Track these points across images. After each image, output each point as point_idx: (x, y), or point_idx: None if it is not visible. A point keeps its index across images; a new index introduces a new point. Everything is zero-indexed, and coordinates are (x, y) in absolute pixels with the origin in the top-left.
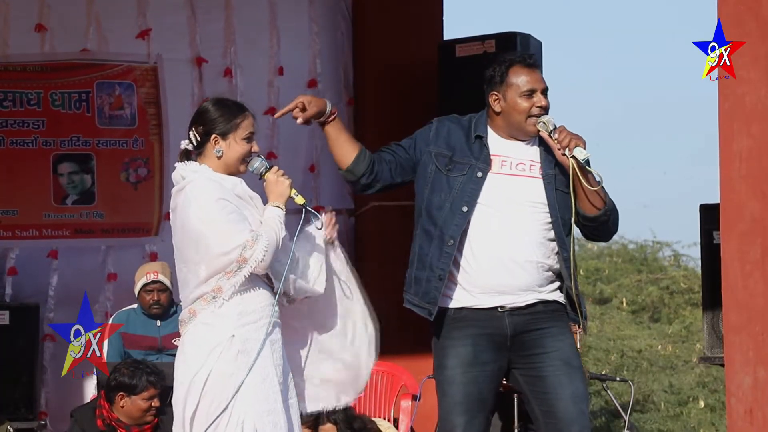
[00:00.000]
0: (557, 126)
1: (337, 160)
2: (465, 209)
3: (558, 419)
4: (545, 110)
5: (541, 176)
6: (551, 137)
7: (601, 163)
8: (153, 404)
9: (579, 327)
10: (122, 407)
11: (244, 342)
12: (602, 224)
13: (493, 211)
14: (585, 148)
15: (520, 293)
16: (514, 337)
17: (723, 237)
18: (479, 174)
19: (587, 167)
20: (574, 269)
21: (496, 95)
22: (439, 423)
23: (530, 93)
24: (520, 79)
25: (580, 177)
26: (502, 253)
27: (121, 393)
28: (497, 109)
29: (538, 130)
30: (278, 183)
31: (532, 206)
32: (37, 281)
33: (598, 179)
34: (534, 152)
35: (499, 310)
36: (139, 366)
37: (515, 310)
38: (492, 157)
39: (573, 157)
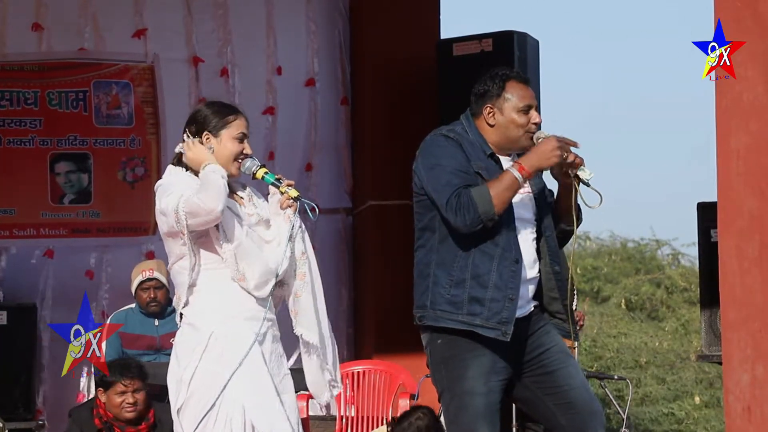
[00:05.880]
0: None
1: (502, 206)
2: (511, 225)
3: (578, 409)
4: (539, 126)
5: (531, 191)
6: None
7: (598, 162)
8: (127, 400)
9: (573, 341)
10: (104, 403)
11: (227, 338)
12: (571, 233)
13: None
14: (585, 167)
15: (530, 303)
16: (524, 341)
17: (720, 234)
18: None
19: (591, 187)
20: (572, 282)
21: (491, 108)
22: None
23: (527, 109)
24: (518, 94)
25: (581, 195)
26: (524, 269)
27: (100, 389)
28: (491, 122)
29: (533, 146)
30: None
31: (530, 222)
32: (34, 281)
33: (598, 200)
34: None
35: None
36: (114, 362)
37: (523, 317)
38: None
39: (576, 175)
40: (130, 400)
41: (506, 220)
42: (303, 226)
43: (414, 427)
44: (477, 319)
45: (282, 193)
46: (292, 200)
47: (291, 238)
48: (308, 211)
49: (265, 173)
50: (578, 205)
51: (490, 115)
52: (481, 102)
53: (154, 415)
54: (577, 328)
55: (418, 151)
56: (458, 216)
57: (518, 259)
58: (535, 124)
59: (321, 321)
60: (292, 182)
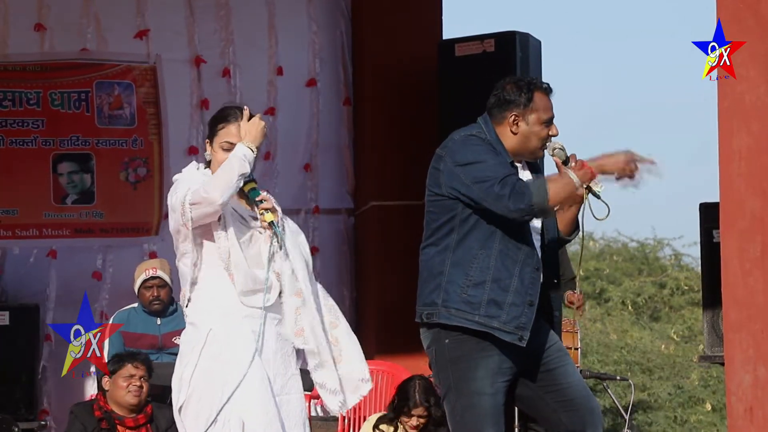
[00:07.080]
0: (569, 155)
1: (557, 202)
2: (529, 231)
3: (578, 406)
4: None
5: None
6: (565, 166)
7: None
8: (133, 383)
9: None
10: (108, 391)
11: (225, 336)
12: (566, 243)
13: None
14: (597, 180)
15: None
16: (529, 342)
17: (723, 235)
18: None
19: (601, 199)
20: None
21: (517, 117)
22: None
23: (550, 122)
24: (543, 106)
25: (591, 207)
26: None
27: (105, 377)
28: (515, 130)
29: (551, 156)
30: (255, 125)
31: (538, 231)
32: (37, 281)
33: (606, 212)
34: (528, 176)
35: None
36: (124, 353)
37: None
38: None
39: (588, 187)
40: (137, 383)
41: (527, 226)
42: (302, 237)
43: (415, 389)
44: (495, 321)
45: (261, 214)
46: (267, 224)
47: (271, 258)
48: (277, 240)
49: (251, 189)
50: (577, 217)
51: (515, 123)
52: (505, 108)
53: (152, 410)
54: (575, 309)
55: (442, 151)
56: (511, 200)
57: (539, 267)
58: (553, 136)
59: (323, 332)
60: (270, 206)
